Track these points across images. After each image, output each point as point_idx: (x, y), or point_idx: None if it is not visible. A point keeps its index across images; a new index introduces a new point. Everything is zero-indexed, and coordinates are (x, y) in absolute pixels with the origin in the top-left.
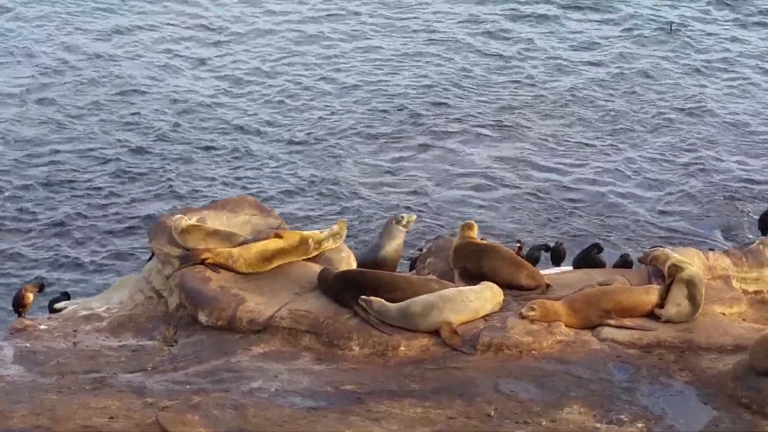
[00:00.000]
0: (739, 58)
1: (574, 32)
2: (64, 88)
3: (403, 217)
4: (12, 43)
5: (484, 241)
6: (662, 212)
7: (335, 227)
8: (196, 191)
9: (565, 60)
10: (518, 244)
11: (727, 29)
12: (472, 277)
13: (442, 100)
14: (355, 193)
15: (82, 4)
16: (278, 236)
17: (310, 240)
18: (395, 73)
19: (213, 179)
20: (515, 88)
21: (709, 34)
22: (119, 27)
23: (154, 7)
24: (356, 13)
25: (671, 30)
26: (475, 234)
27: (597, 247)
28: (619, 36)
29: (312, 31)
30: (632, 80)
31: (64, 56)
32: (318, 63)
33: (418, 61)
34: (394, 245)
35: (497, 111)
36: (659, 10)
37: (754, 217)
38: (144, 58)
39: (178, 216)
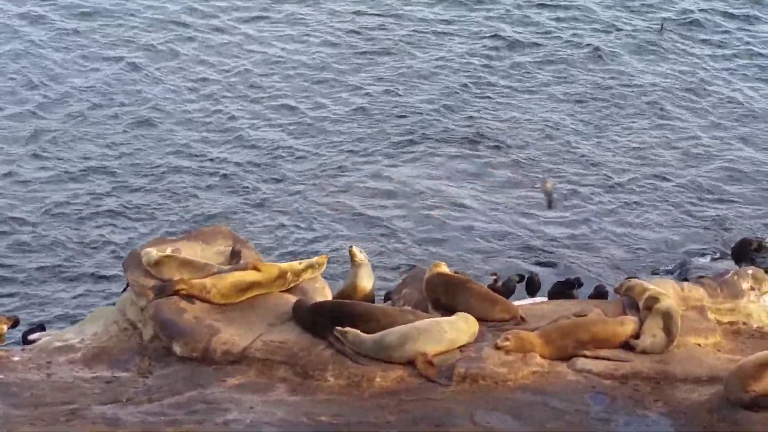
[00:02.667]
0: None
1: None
2: (41, 124)
3: (354, 250)
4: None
5: (456, 274)
6: (635, 240)
7: (316, 258)
8: (173, 221)
9: (554, 82)
10: (494, 277)
11: None
12: (447, 309)
13: (418, 124)
14: (331, 224)
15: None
16: (256, 268)
17: (289, 273)
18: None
19: (189, 208)
20: (488, 107)
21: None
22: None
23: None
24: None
25: (662, 29)
26: (443, 268)
27: (577, 282)
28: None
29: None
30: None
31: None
32: (304, 89)
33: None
34: (353, 279)
35: (468, 137)
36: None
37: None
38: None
39: (147, 249)
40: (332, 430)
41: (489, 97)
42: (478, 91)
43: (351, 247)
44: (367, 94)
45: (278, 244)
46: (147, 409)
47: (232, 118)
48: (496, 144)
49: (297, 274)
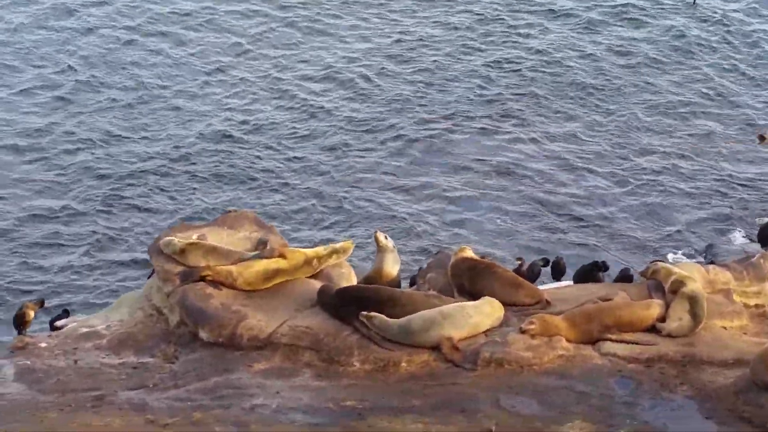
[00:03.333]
0: None
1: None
2: (59, 108)
3: (379, 236)
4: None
5: (481, 259)
6: (661, 224)
7: (341, 244)
8: (199, 207)
9: (569, 58)
10: (519, 261)
11: None
12: (472, 293)
13: (443, 107)
14: (358, 208)
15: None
16: (282, 255)
17: (315, 259)
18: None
19: (214, 194)
20: (515, 89)
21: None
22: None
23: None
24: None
25: (694, 2)
26: (469, 252)
27: (603, 266)
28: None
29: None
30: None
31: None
32: (315, 75)
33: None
34: (379, 264)
35: (497, 117)
36: None
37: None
38: (154, 70)
39: (168, 238)
40: (358, 415)
41: (513, 74)
42: (500, 68)
43: (376, 232)
44: (386, 74)
45: (303, 229)
46: (173, 394)
47: (256, 101)
48: (520, 122)
49: (322, 259)
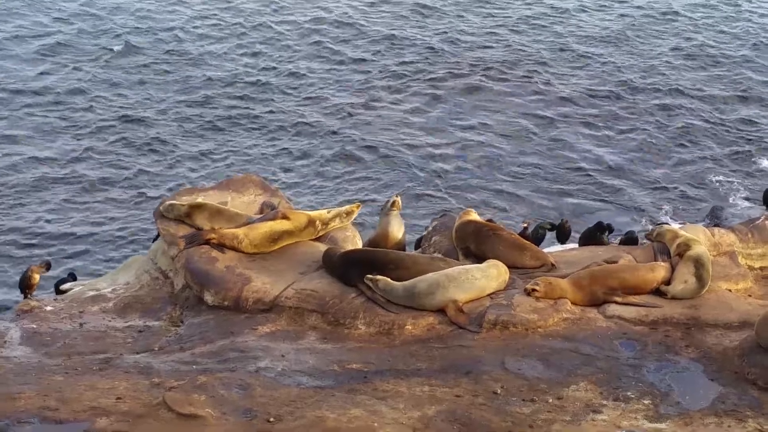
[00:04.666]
0: None
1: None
2: (65, 70)
3: (389, 200)
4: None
5: (486, 222)
6: (666, 186)
7: (346, 207)
8: (204, 171)
9: (572, 30)
10: (524, 224)
11: None
12: (477, 256)
13: (452, 66)
14: (362, 169)
15: None
16: (285, 217)
17: (318, 221)
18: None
19: (220, 158)
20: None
21: None
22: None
23: None
24: None
25: None
26: (473, 216)
27: (607, 228)
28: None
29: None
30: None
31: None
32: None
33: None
34: (384, 227)
35: (505, 71)
36: None
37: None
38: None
39: (169, 202)
40: (363, 378)
41: (519, 31)
42: (506, 26)
43: (397, 196)
44: (393, 35)
45: (308, 191)
46: (179, 357)
47: (262, 70)
48: (528, 74)
49: (325, 222)
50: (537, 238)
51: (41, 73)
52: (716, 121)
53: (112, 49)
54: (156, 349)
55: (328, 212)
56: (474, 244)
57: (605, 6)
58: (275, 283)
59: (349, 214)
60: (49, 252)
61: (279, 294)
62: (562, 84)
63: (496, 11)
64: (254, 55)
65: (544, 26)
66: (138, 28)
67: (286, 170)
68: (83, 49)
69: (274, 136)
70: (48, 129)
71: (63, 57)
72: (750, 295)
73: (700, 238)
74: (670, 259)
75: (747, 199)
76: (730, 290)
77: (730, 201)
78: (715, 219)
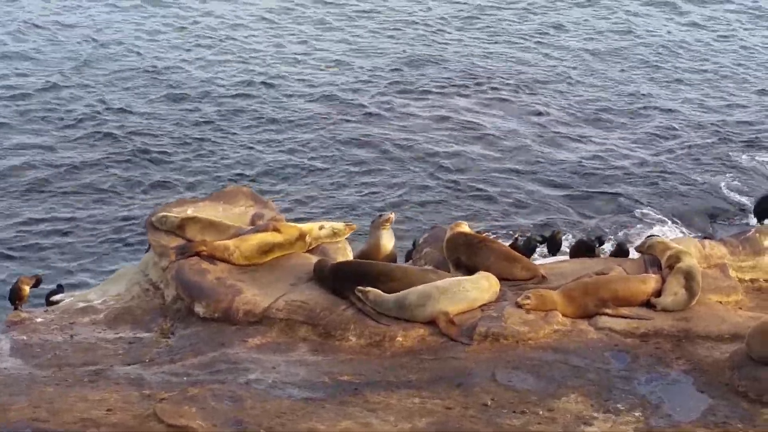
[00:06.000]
0: None
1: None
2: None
3: (381, 216)
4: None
5: (477, 234)
6: (659, 197)
7: (339, 225)
8: (196, 182)
9: (567, 41)
10: (515, 236)
11: None
12: (468, 268)
13: (447, 77)
14: (352, 179)
15: None
16: (276, 230)
17: (308, 236)
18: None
19: (211, 170)
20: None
21: None
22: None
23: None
24: None
25: None
26: (464, 228)
27: (598, 241)
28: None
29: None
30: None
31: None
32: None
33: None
34: (375, 239)
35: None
36: None
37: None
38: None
39: (162, 213)
40: (354, 390)
41: (505, 44)
42: (494, 40)
43: (391, 214)
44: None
45: (299, 203)
46: (170, 369)
47: (252, 78)
48: (515, 89)
49: (316, 238)
50: (528, 250)
51: (25, 83)
52: (716, 130)
53: (97, 58)
54: (147, 360)
55: (320, 228)
56: (465, 255)
57: (606, 17)
58: (266, 295)
59: (337, 233)
60: (38, 265)
61: (269, 306)
62: (565, 99)
63: (501, 25)
64: (247, 63)
65: (548, 42)
66: (126, 36)
67: (282, 180)
68: (71, 57)
69: (267, 146)
70: (34, 140)
71: (47, 66)
72: (740, 308)
73: (691, 251)
74: (661, 272)
75: (742, 210)
76: (720, 302)
77: (724, 210)
78: (706, 230)
